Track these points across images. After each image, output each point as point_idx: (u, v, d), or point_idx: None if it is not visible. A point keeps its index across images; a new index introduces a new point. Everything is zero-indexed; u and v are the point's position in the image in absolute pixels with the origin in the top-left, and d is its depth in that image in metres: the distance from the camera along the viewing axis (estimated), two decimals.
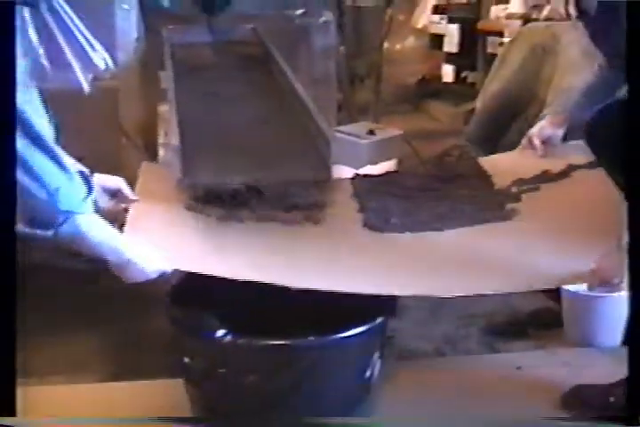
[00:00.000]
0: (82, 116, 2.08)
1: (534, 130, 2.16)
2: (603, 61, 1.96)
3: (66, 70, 1.40)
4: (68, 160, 1.44)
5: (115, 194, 1.71)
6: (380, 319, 1.60)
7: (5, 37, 1.21)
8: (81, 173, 1.50)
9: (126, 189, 1.73)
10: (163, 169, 2.15)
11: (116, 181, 1.72)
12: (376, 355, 1.67)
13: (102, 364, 2.03)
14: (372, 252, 1.77)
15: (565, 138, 2.16)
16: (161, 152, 2.45)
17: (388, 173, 2.27)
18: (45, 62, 1.37)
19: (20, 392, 1.23)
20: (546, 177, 2.05)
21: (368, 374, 1.66)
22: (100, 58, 1.47)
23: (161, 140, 2.48)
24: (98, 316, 2.17)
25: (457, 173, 2.16)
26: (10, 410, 1.23)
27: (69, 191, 1.41)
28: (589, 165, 2.00)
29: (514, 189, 2.02)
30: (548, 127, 2.12)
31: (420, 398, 1.80)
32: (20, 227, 1.41)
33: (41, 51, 1.35)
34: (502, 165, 2.17)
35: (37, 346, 2.03)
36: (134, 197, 1.74)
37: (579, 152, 2.04)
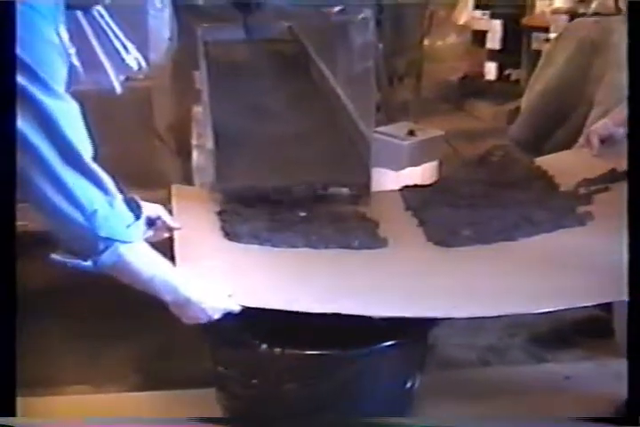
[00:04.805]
0: (114, 117, 2.09)
1: (595, 127, 2.08)
2: None
3: (97, 71, 1.39)
4: (110, 181, 1.35)
5: (154, 222, 1.61)
6: (421, 328, 1.58)
7: (6, 37, 1.18)
8: (127, 198, 1.40)
9: (167, 217, 1.64)
10: (194, 191, 2.11)
11: (155, 209, 1.62)
12: (417, 365, 1.65)
13: (131, 373, 2.04)
14: (445, 269, 1.68)
15: None
16: (194, 154, 2.45)
17: (438, 182, 2.19)
18: (77, 63, 1.36)
19: (41, 402, 1.23)
20: (614, 176, 1.92)
21: (409, 384, 1.64)
22: (133, 58, 1.46)
23: (194, 142, 2.48)
24: (127, 325, 2.18)
25: (516, 176, 2.08)
26: (10, 410, 1.22)
27: (110, 215, 1.32)
28: None
29: (582, 191, 1.93)
30: (611, 125, 2.03)
31: (463, 408, 1.78)
32: (56, 255, 1.34)
33: (72, 51, 1.34)
34: (562, 166, 2.08)
35: (64, 354, 2.05)
36: (176, 226, 1.65)
37: None
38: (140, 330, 2.16)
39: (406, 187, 2.11)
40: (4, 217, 1.21)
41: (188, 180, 2.39)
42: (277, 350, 1.51)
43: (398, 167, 2.65)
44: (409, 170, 2.69)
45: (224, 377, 1.62)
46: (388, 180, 2.53)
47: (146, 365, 2.07)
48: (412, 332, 1.57)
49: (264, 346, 1.52)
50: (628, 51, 1.41)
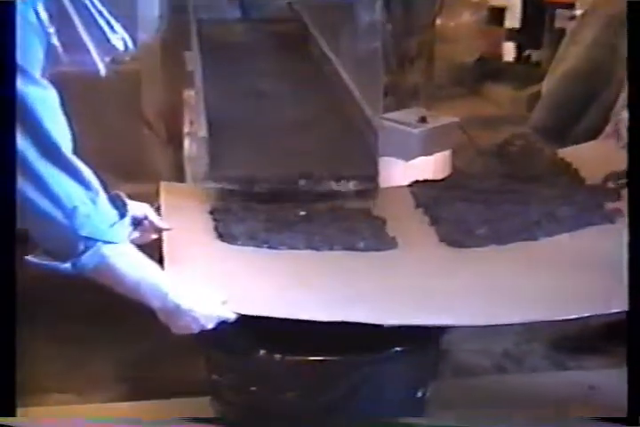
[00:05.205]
0: (98, 103, 2.09)
1: (623, 115, 2.07)
2: None
3: (80, 52, 1.38)
4: (92, 176, 1.35)
5: (140, 223, 1.61)
6: (432, 333, 1.58)
7: (6, 37, 1.20)
8: (111, 195, 1.41)
9: (154, 217, 1.64)
10: (185, 188, 2.12)
11: (142, 208, 1.62)
12: (429, 372, 1.65)
13: (116, 381, 2.04)
14: (460, 272, 1.68)
15: None
16: (186, 143, 2.45)
17: (451, 175, 2.19)
18: (57, 43, 1.36)
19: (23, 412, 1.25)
20: None
21: (420, 393, 1.64)
22: (119, 37, 1.45)
23: (186, 129, 2.48)
24: (112, 329, 2.18)
25: (537, 168, 2.08)
26: (10, 410, 1.26)
27: (91, 213, 1.31)
28: None
29: (610, 185, 1.94)
30: None
31: (477, 419, 1.78)
32: (31, 257, 1.33)
33: (52, 30, 1.34)
34: (588, 157, 2.08)
35: (45, 361, 2.05)
36: (165, 226, 1.65)
37: None
38: (126, 334, 2.17)
39: (416, 182, 2.10)
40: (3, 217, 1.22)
41: (178, 171, 2.39)
42: (277, 355, 1.52)
43: (408, 157, 2.65)
44: (420, 160, 2.69)
45: (219, 385, 1.62)
46: (396, 171, 2.52)
47: (133, 372, 2.08)
48: (423, 337, 1.56)
49: (262, 352, 1.52)
50: (628, 50, 1.42)
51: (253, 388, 1.56)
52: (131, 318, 2.04)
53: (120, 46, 1.43)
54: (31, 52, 1.28)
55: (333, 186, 1.94)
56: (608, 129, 2.12)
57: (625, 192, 1.89)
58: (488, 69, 4.77)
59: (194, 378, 1.71)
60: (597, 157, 2.08)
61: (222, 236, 1.76)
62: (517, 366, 2.11)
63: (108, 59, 1.44)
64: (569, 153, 2.14)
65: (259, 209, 1.88)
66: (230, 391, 1.61)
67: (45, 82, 1.30)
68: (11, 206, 1.23)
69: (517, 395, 1.92)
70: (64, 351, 2.15)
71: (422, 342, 1.57)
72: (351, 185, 1.95)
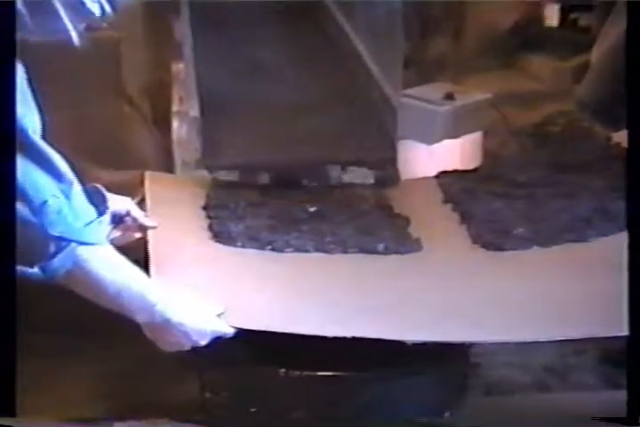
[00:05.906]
0: (71, 77, 2.09)
1: None
2: None
3: (50, 18, 1.38)
4: (65, 165, 1.35)
5: (122, 220, 1.63)
6: (461, 344, 1.58)
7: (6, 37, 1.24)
8: (87, 187, 1.42)
9: (138, 213, 1.66)
10: (174, 179, 2.12)
11: (123, 203, 1.64)
12: (457, 390, 1.66)
13: (94, 400, 2.05)
14: (496, 279, 1.69)
15: None
16: (174, 124, 2.46)
17: (484, 165, 2.20)
18: (21, 6, 1.36)
19: None
20: None
21: (447, 414, 1.65)
22: (94, 1, 1.46)
23: (175, 107, 2.49)
24: (90, 338, 2.19)
25: (584, 154, 2.08)
26: (10, 410, 1.32)
27: (64, 208, 1.31)
28: None
29: None
30: None
31: None
32: None
33: None
34: None
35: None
36: (151, 224, 1.67)
37: None
38: (106, 345, 2.18)
39: (444, 172, 2.10)
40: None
41: (166, 157, 2.40)
42: (281, 370, 1.53)
43: (432, 140, 2.65)
44: (446, 143, 2.69)
45: (213, 405, 1.63)
46: (419, 157, 2.53)
47: (113, 389, 2.09)
48: (450, 349, 1.56)
49: (264, 366, 1.53)
50: (626, 50, 1.50)
51: (253, 408, 1.57)
52: (109, 329, 2.07)
53: (96, 11, 1.44)
54: None
55: (347, 176, 1.94)
56: None
57: None
58: (527, 36, 4.75)
59: (183, 396, 1.71)
60: None
61: (218, 236, 1.77)
62: (562, 382, 2.11)
63: (82, 26, 1.44)
64: (624, 136, 2.13)
65: (261, 204, 1.88)
66: (226, 412, 1.62)
67: None
68: (10, 207, 1.25)
69: (562, 417, 1.92)
70: (38, 366, 2.16)
71: (448, 354, 1.58)
72: (367, 173, 1.95)
